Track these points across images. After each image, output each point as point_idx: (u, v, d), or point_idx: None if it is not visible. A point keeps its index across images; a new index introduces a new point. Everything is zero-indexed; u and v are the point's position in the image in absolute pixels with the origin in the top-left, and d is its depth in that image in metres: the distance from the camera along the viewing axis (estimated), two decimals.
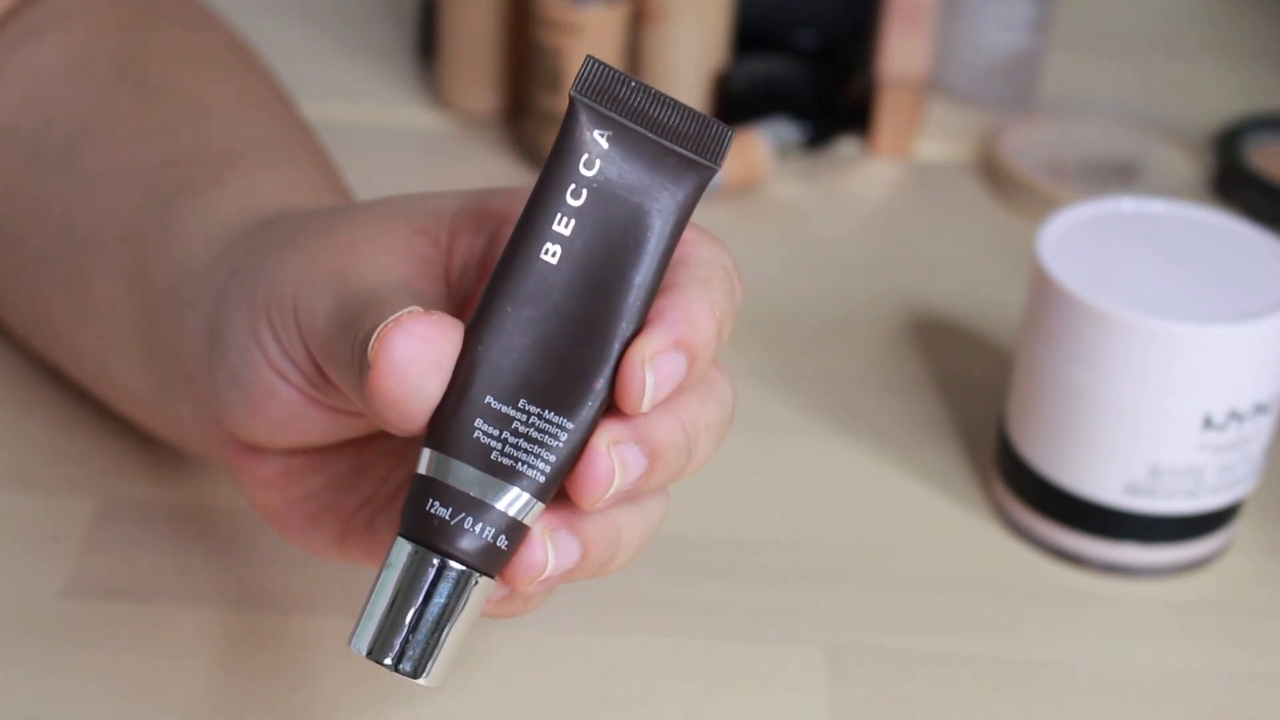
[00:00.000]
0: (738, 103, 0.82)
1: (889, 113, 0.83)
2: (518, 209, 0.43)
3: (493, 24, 0.82)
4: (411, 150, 0.83)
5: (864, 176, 0.83)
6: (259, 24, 0.76)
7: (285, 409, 0.47)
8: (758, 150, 0.80)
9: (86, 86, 0.60)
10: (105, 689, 0.53)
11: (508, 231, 0.44)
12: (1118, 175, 0.83)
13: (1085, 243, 0.60)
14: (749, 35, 0.83)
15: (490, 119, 0.84)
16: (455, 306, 0.45)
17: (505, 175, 0.81)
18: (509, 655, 0.55)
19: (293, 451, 0.49)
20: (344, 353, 0.43)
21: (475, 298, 0.45)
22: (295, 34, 0.90)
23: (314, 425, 0.47)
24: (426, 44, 0.87)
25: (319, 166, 0.58)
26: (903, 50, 0.82)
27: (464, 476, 0.42)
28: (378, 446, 0.49)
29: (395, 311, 0.42)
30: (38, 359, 0.64)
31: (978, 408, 0.67)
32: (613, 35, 0.79)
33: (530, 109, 0.81)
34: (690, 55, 0.80)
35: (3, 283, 0.61)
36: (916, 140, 0.84)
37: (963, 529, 0.62)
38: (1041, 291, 0.59)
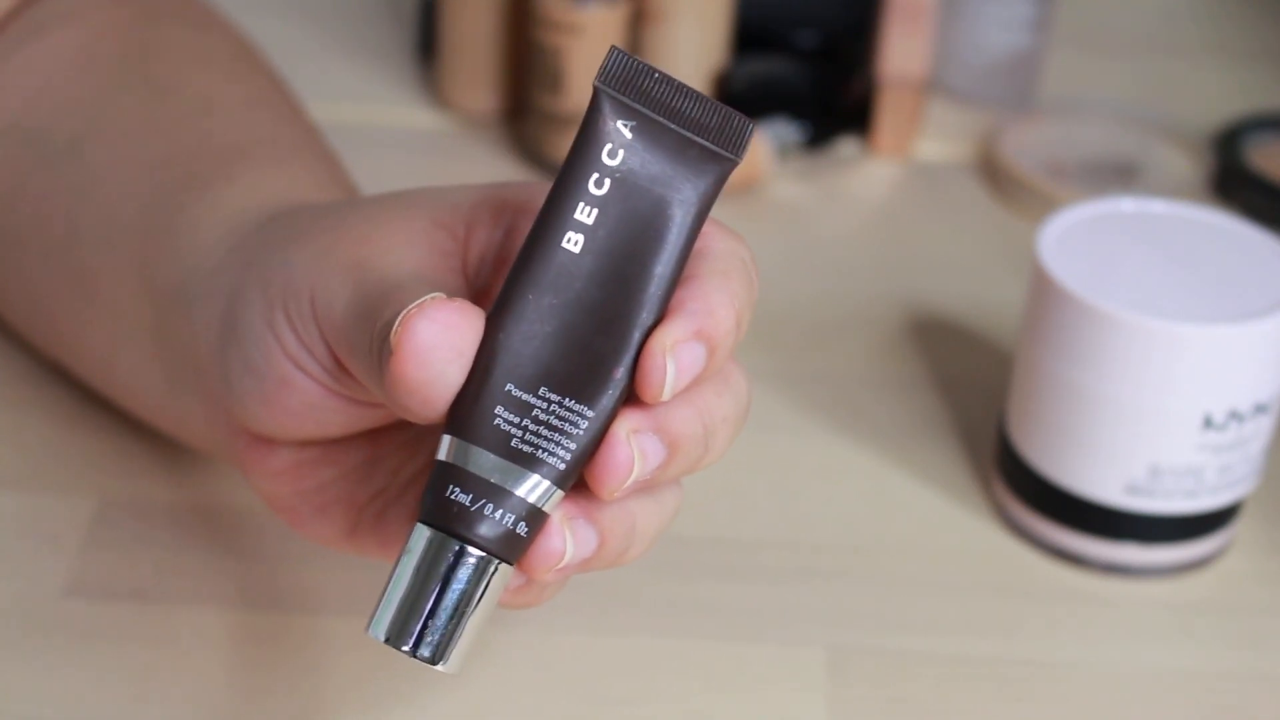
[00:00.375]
0: (738, 103, 0.81)
1: (889, 113, 0.83)
2: (535, 202, 0.43)
3: (493, 24, 0.82)
4: (412, 150, 0.83)
5: (864, 176, 0.83)
6: (260, 24, 0.76)
7: (300, 400, 0.47)
8: (758, 150, 0.80)
9: (92, 84, 0.60)
10: (106, 689, 0.53)
11: (525, 224, 0.44)
12: (1118, 175, 0.83)
13: (1085, 243, 0.60)
14: (749, 35, 0.83)
15: (490, 119, 0.84)
16: (472, 299, 0.46)
17: (505, 175, 0.81)
18: (509, 654, 0.55)
19: (305, 443, 0.49)
20: (363, 341, 0.43)
21: (492, 290, 0.45)
22: (296, 34, 0.90)
23: (329, 416, 0.47)
24: (426, 44, 0.87)
25: (326, 165, 0.58)
26: (903, 50, 0.82)
27: (484, 463, 0.42)
28: (391, 438, 0.49)
29: (416, 299, 0.42)
30: (38, 358, 0.64)
31: (978, 408, 0.67)
32: (613, 35, 0.79)
33: (530, 109, 0.81)
34: (690, 55, 0.80)
35: (7, 279, 0.61)
36: (916, 140, 0.84)
37: (963, 529, 0.62)
38: (1041, 291, 0.59)
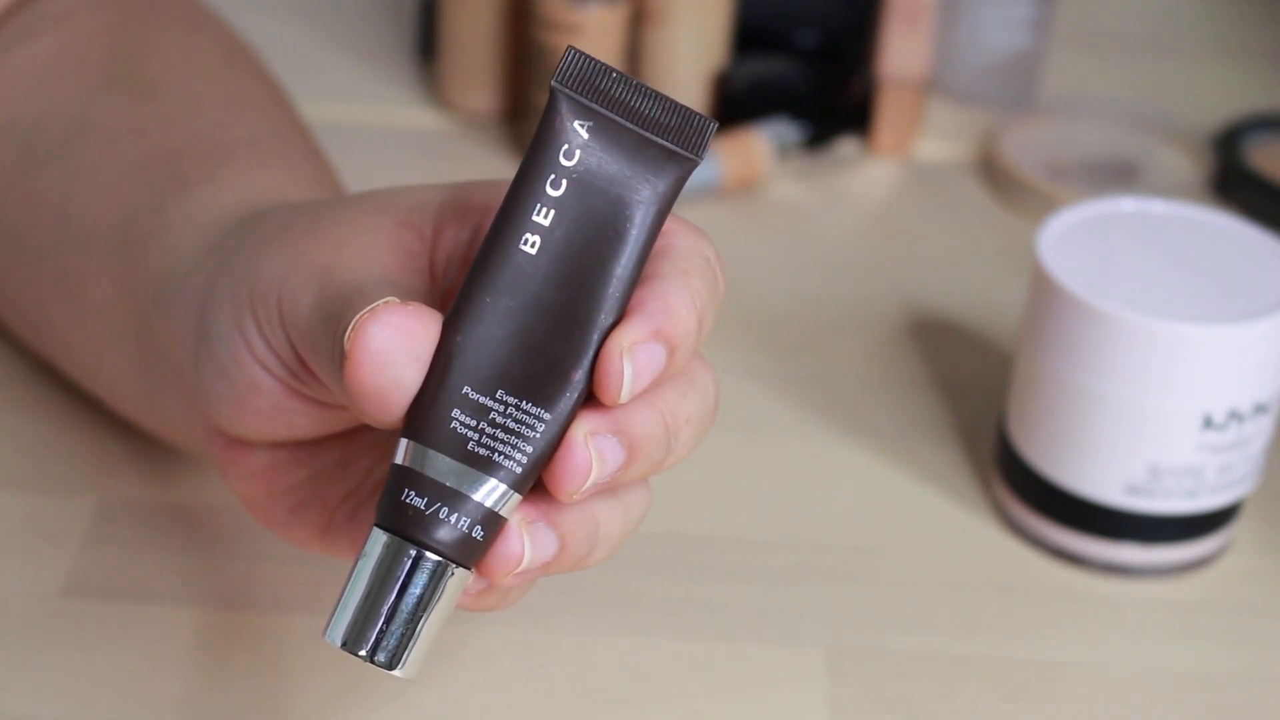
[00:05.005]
0: (738, 103, 0.82)
1: (889, 113, 0.83)
2: (500, 201, 0.43)
3: (493, 24, 0.82)
4: (411, 150, 0.83)
5: (864, 176, 0.83)
6: (259, 24, 0.76)
7: (269, 402, 0.47)
8: (758, 150, 0.80)
9: (83, 84, 0.60)
10: (104, 689, 0.53)
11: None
12: (1118, 175, 0.83)
13: (1085, 243, 0.60)
14: (749, 35, 0.83)
15: (490, 119, 0.84)
16: (439, 299, 0.45)
17: (504, 175, 0.81)
18: (507, 655, 0.55)
19: (278, 445, 0.49)
20: (326, 345, 0.43)
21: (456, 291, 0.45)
22: (295, 34, 0.90)
23: (298, 419, 0.47)
24: (426, 44, 0.87)
25: (312, 165, 0.58)
26: (903, 50, 0.82)
27: (440, 467, 0.41)
28: (362, 439, 0.49)
29: (374, 303, 0.41)
30: (36, 359, 0.64)
31: (978, 408, 0.67)
32: (613, 35, 0.79)
33: (530, 109, 0.81)
34: (690, 55, 0.80)
35: (2, 280, 0.61)
36: (916, 140, 0.84)
37: (963, 529, 0.62)
38: (1041, 291, 0.59)
